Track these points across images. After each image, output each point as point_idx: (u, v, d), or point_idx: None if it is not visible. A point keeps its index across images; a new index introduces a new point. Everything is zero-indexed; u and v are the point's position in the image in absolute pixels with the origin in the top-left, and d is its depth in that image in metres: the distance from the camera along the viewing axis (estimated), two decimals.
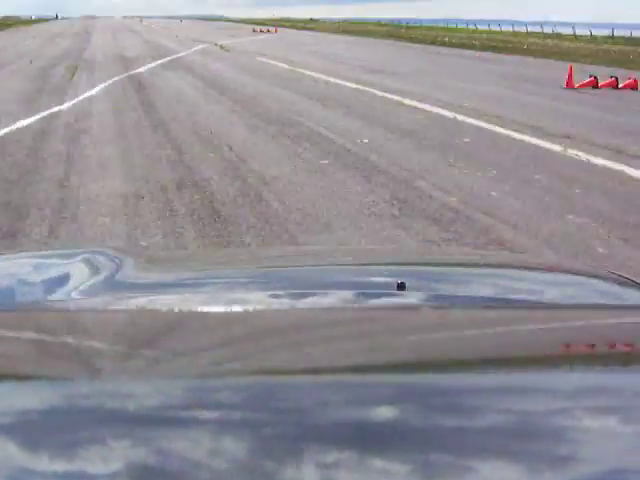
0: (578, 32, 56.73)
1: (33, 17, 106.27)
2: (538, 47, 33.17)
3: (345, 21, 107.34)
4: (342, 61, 20.78)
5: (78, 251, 1.54)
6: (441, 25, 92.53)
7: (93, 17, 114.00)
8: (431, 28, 72.87)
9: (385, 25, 79.53)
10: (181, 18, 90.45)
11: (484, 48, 31.06)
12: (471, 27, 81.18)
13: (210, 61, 20.01)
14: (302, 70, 17.07)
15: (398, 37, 44.74)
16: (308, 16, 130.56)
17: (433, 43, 35.95)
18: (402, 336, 0.92)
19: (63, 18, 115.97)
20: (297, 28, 62.39)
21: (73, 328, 0.96)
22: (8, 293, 1.20)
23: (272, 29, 48.64)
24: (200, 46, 27.38)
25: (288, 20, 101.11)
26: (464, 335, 0.92)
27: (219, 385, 0.72)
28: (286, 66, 18.31)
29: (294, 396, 0.69)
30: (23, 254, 1.90)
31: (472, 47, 32.18)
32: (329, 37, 43.10)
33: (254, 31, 47.50)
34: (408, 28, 73.04)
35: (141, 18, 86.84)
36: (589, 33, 55.99)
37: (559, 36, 56.64)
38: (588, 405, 0.69)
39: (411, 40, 39.84)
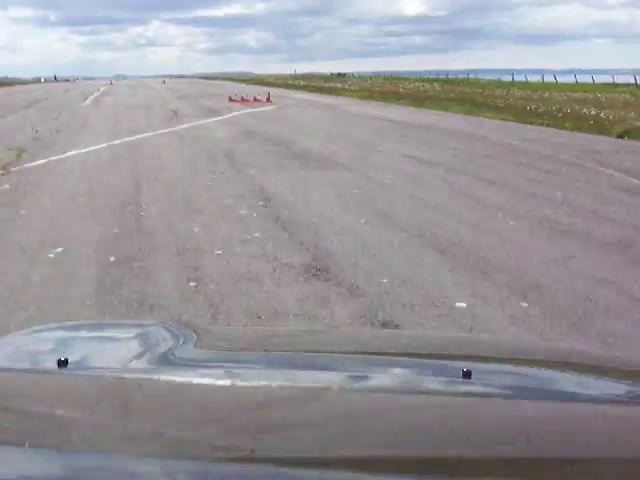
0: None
1: (42, 80, 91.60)
2: None
3: (377, 75, 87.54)
4: None
5: (140, 322, 1.78)
6: (487, 77, 72.54)
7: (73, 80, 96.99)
8: (503, 84, 52.64)
9: (434, 79, 59.38)
10: (164, 79, 73.44)
11: None
12: (535, 80, 60.92)
13: None
14: None
15: (483, 106, 24.67)
16: (336, 70, 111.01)
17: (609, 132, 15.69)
18: (460, 426, 0.88)
19: (66, 80, 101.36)
20: (313, 89, 42.49)
21: (110, 399, 0.97)
22: (67, 358, 1.13)
23: (262, 97, 28.65)
24: None
25: (310, 76, 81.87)
26: (529, 432, 0.88)
27: (224, 470, 0.72)
28: None
29: None
30: (83, 322, 2.01)
31: None
32: (364, 111, 22.96)
33: (231, 100, 27.76)
34: (467, 83, 52.89)
35: (110, 81, 69.86)
36: None
37: None
38: None
39: (524, 115, 19.62)
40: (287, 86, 50.32)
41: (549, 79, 60.57)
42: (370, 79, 67.82)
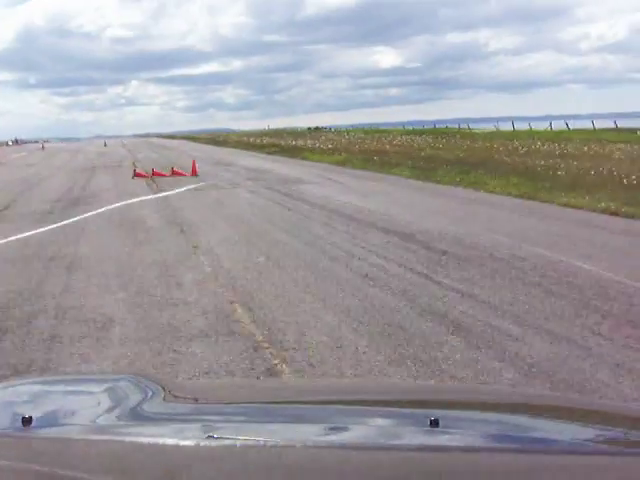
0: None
1: (9, 142, 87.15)
2: None
3: (356, 128, 78.60)
4: None
5: (107, 377, 1.77)
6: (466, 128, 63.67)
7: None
8: (504, 134, 43.36)
9: (420, 131, 50.10)
10: (105, 140, 65.16)
11: None
12: (542, 128, 52.04)
13: None
14: None
15: (540, 178, 15.45)
16: (313, 123, 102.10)
17: None
18: (429, 476, 0.88)
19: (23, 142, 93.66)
20: (275, 150, 32.98)
21: (82, 458, 0.95)
22: (31, 415, 1.09)
23: (187, 170, 18.91)
24: None
25: (281, 132, 72.81)
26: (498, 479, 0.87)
27: None
28: None
29: None
30: (51, 378, 2.01)
31: None
32: (339, 199, 13.35)
33: (136, 175, 18.12)
34: (462, 135, 43.72)
35: (42, 145, 60.98)
36: None
37: None
38: None
39: None
40: (245, 146, 40.87)
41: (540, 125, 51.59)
42: (348, 133, 58.38)
